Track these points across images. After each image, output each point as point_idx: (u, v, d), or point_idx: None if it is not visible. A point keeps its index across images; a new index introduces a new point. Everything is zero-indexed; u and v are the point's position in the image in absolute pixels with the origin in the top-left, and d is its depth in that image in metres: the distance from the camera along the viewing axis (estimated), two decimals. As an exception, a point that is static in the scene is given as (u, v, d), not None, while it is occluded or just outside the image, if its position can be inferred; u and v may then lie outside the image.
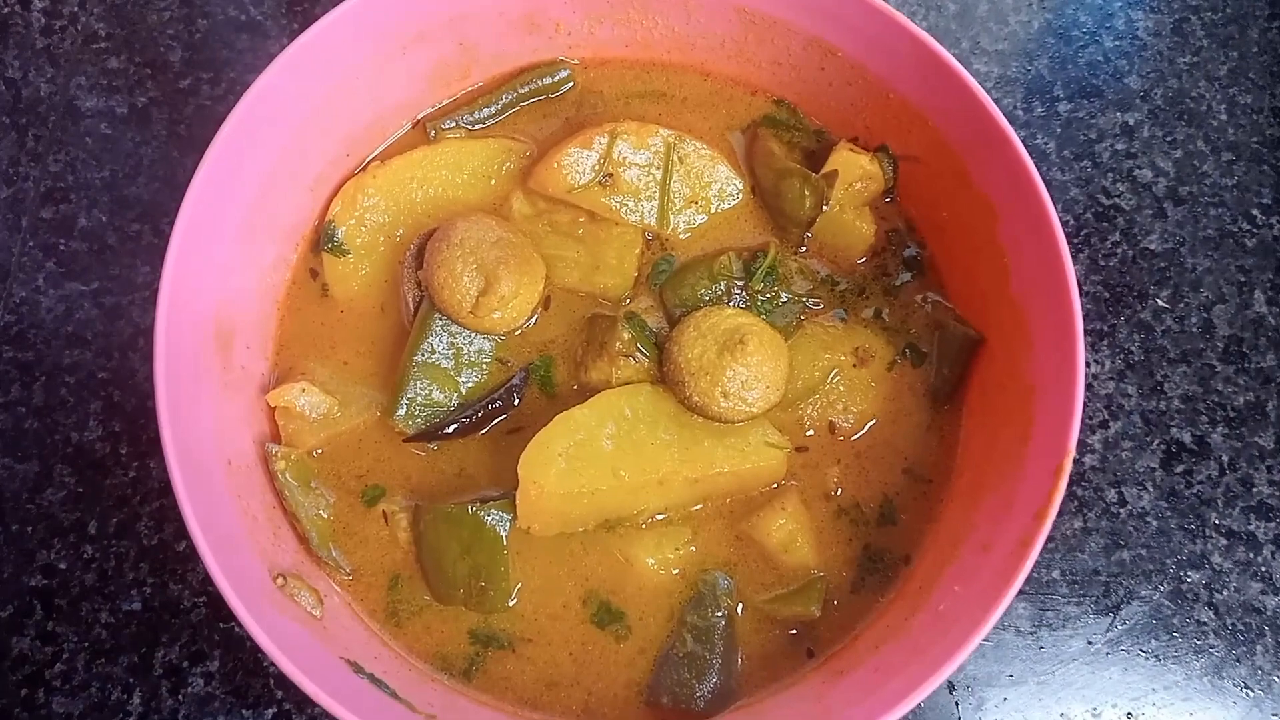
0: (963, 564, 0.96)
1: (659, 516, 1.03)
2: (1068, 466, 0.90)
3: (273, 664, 0.93)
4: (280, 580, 0.95)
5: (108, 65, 1.30)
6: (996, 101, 1.06)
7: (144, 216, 1.24)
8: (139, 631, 1.10)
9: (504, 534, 0.99)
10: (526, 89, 1.15)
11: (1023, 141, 0.97)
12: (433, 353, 1.04)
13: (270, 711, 1.09)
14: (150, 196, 1.25)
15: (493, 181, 1.12)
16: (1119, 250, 1.27)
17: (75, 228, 1.23)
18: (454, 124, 1.14)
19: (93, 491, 1.14)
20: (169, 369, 0.89)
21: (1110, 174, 1.30)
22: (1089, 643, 1.14)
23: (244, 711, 1.08)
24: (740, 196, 1.12)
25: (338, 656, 0.93)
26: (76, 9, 1.32)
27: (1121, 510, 1.18)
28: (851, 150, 1.10)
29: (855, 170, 1.09)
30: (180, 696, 1.09)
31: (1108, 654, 1.14)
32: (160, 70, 1.30)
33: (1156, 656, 1.13)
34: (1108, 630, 1.14)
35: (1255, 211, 1.29)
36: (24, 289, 1.21)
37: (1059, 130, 1.31)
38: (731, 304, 1.06)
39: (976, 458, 1.04)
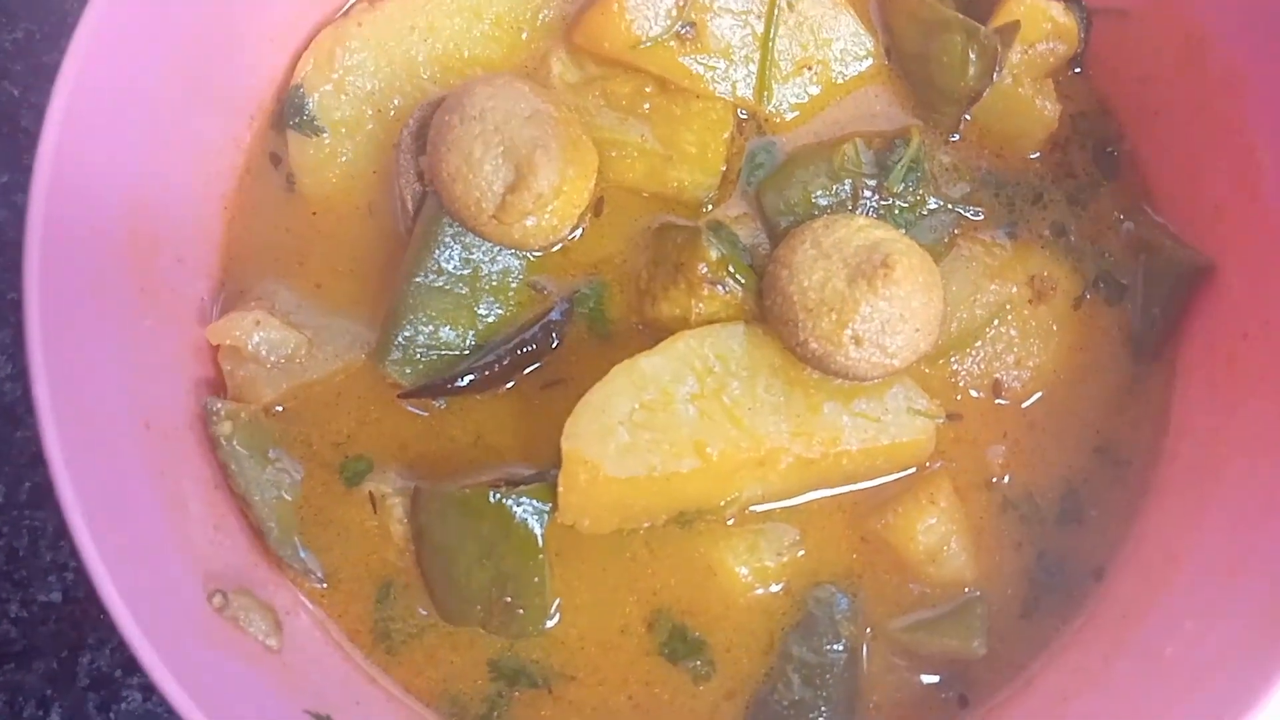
0: (1190, 588, 0.84)
1: (755, 509, 0.94)
2: (1380, 463, 0.77)
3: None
4: (219, 599, 0.85)
5: (20, -113, 1.20)
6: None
7: (65, 89, 1.17)
8: (59, 630, 1.04)
9: (539, 530, 0.90)
10: (573, -96, 1.02)
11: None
12: (440, 273, 0.94)
13: (226, 737, 1.03)
14: (73, 63, 1.18)
15: (525, 34, 1.00)
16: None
17: (-23, 103, 1.15)
18: (472, -48, 1.00)
19: (0, 447, 1.07)
20: (47, 290, 0.77)
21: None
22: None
23: (193, 735, 1.04)
24: (871, 60, 0.99)
25: (301, 710, 0.83)
26: None
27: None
28: (1034, -5, 0.97)
29: (1041, 25, 0.95)
30: (111, 714, 1.02)
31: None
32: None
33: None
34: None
35: None
36: (-92, 180, 1.13)
37: None
38: (860, 212, 0.93)
39: (1200, 435, 0.92)
